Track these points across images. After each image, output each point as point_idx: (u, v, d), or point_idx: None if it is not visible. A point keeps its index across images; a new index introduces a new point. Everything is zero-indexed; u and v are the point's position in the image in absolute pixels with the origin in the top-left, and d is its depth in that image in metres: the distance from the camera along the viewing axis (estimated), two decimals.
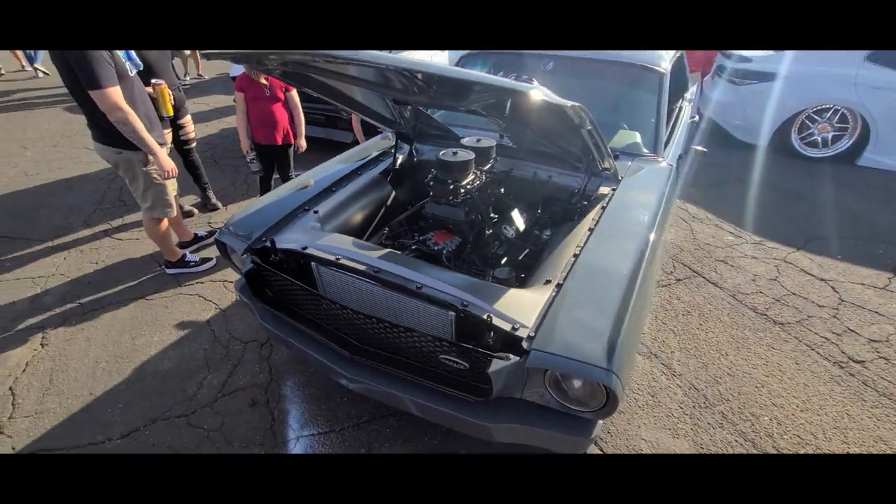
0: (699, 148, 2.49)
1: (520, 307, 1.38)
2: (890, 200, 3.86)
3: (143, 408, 2.07)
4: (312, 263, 1.62)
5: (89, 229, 3.47)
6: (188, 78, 7.64)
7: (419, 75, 1.44)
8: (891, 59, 4.04)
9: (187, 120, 3.33)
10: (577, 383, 1.33)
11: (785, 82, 4.41)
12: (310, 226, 1.82)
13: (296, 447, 1.92)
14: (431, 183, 1.93)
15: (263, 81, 2.96)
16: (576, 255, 1.57)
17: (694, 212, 3.70)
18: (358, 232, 2.04)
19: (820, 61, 4.33)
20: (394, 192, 2.25)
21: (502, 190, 2.14)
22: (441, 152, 1.88)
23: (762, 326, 2.53)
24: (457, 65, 2.93)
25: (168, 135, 2.91)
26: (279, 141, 3.13)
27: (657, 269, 2.04)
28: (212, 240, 3.24)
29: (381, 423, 2.01)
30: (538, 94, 1.13)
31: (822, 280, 2.89)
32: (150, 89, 2.64)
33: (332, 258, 1.56)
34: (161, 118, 2.70)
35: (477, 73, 1.31)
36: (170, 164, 2.48)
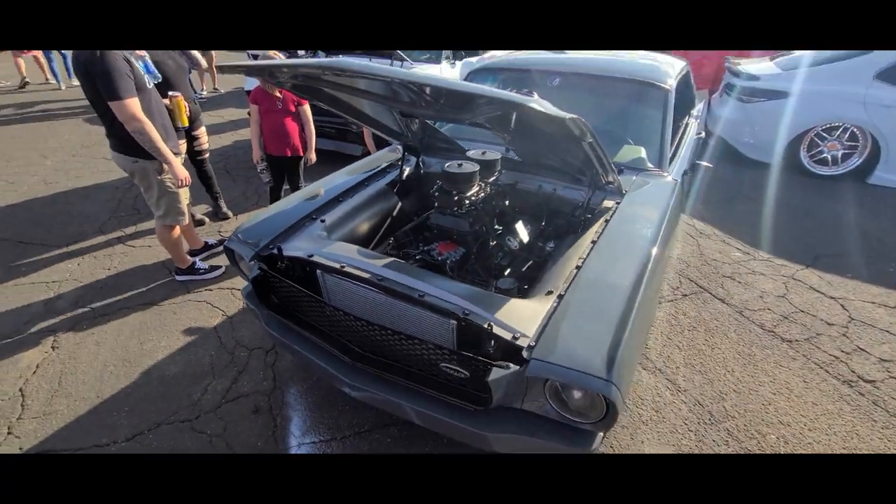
0: (704, 163, 2.50)
1: (521, 317, 1.39)
2: None
3: (148, 412, 2.10)
4: (318, 271, 1.65)
5: (103, 236, 3.55)
6: (205, 92, 7.85)
7: (427, 89, 1.48)
8: None
9: (202, 131, 3.43)
10: (576, 394, 1.33)
11: (793, 101, 4.42)
12: (317, 234, 1.86)
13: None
14: (437, 194, 1.97)
15: (277, 94, 3.04)
16: (578, 267, 1.58)
17: (701, 228, 3.69)
18: (364, 241, 2.08)
19: (828, 80, 4.34)
20: (400, 203, 2.29)
21: (507, 202, 2.16)
22: (446, 164, 1.92)
23: (769, 343, 2.50)
24: (465, 80, 2.99)
25: (182, 145, 3.00)
26: (289, 153, 3.20)
27: (660, 283, 2.04)
28: (221, 248, 3.30)
29: (382, 432, 2.01)
30: (537, 105, 1.16)
31: (832, 298, 2.85)
32: (167, 101, 2.73)
33: (337, 266, 1.58)
34: (177, 129, 2.79)
35: (480, 86, 1.35)
36: (183, 173, 2.55)
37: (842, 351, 2.43)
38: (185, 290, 2.91)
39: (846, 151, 4.46)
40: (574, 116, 1.23)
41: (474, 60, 5.37)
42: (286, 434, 2.01)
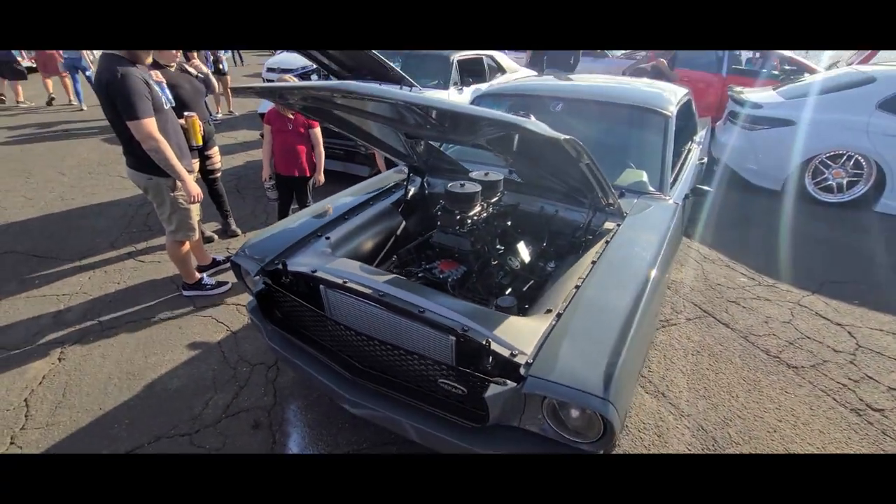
0: (704, 188, 2.53)
1: (519, 334, 1.40)
2: None
3: (149, 425, 2.10)
4: (321, 286, 1.68)
5: (115, 251, 3.63)
6: (219, 115, 8.09)
7: (430, 111, 1.54)
8: None
9: (215, 151, 3.53)
10: (574, 413, 1.33)
11: (796, 128, 4.46)
12: (321, 251, 1.90)
13: None
14: (439, 213, 2.01)
15: (290, 116, 3.14)
16: (578, 287, 1.60)
17: (706, 252, 3.69)
18: (367, 259, 2.11)
19: (830, 108, 4.39)
20: (404, 223, 2.33)
21: (509, 222, 2.19)
22: (449, 184, 1.96)
23: (775, 369, 2.46)
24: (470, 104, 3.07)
25: (196, 164, 3.09)
26: (297, 173, 3.28)
27: (660, 304, 2.04)
28: (228, 264, 3.35)
29: (380, 451, 2.00)
30: (533, 126, 1.21)
31: (839, 325, 2.82)
32: (182, 120, 2.83)
33: (340, 281, 1.61)
34: (191, 148, 2.88)
35: (478, 108, 1.40)
36: (195, 190, 2.62)
37: (849, 378, 2.39)
38: (192, 306, 2.95)
39: (851, 179, 4.47)
40: (569, 137, 1.27)
41: (483, 87, 5.50)
42: (284, 450, 2.00)
